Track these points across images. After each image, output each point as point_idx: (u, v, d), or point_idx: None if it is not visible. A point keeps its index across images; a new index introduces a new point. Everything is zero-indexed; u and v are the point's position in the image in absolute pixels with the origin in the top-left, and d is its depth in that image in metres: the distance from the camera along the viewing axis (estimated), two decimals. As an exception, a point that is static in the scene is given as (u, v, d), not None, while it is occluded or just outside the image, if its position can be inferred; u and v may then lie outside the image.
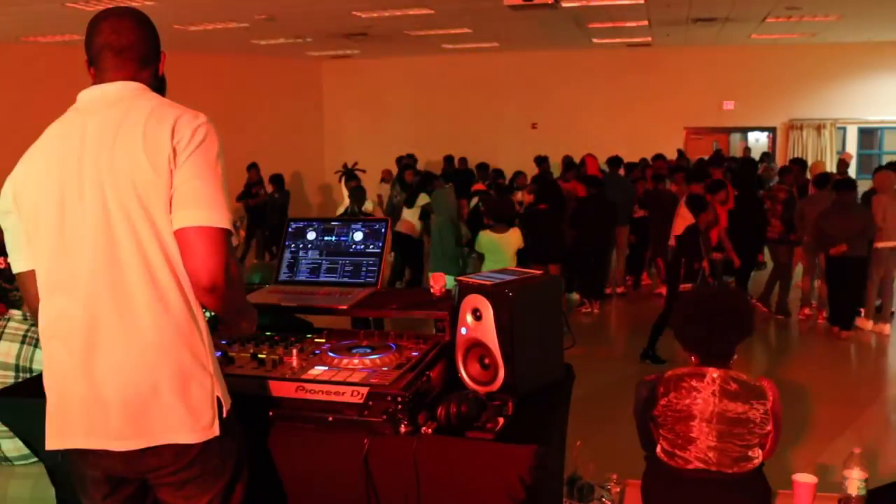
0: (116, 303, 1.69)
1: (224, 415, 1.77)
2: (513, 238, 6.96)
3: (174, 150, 1.69)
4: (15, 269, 1.90)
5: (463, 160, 13.33)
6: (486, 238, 7.03)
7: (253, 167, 11.86)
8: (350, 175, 9.57)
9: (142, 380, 1.68)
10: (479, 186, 10.60)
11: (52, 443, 1.77)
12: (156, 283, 1.69)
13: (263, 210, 11.59)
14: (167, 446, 1.71)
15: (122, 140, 1.71)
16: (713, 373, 2.50)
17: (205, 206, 1.68)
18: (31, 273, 1.83)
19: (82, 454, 1.75)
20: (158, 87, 1.88)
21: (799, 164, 10.15)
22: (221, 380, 1.80)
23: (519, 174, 11.42)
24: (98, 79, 1.82)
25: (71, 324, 1.71)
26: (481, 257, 7.19)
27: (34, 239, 1.79)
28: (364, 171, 11.17)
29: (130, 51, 1.81)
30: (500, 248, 6.90)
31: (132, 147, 1.69)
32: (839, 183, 7.86)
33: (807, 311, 8.39)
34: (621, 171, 10.57)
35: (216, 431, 1.74)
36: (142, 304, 1.69)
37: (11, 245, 1.90)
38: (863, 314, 7.83)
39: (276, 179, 11.68)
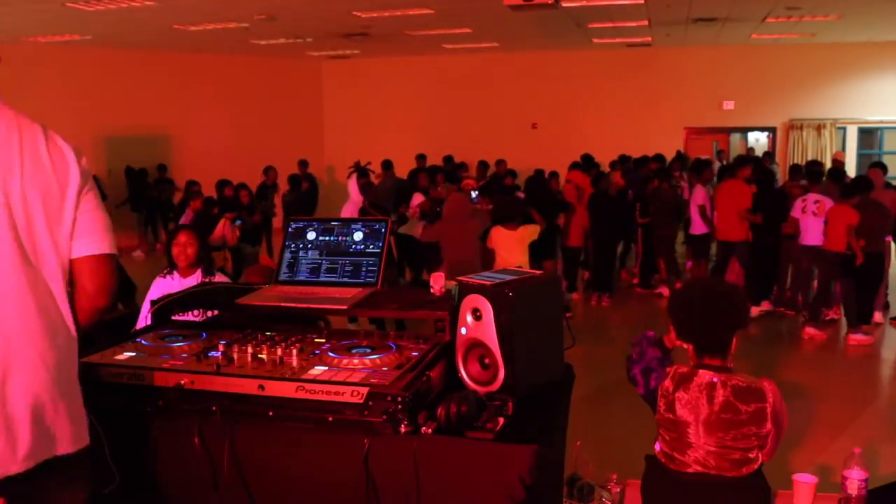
0: (38, 323, 1.70)
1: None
2: (525, 234, 6.95)
3: (82, 173, 1.78)
4: None
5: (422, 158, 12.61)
6: (497, 234, 7.00)
7: (270, 169, 11.77)
8: (362, 173, 9.52)
9: (47, 397, 1.70)
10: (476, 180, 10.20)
11: None
12: (61, 302, 1.76)
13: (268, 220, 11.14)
14: (55, 459, 1.73)
15: (29, 153, 1.73)
16: (713, 377, 2.48)
17: (102, 234, 1.84)
18: None
19: None
20: None
21: (818, 165, 9.80)
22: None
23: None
24: None
25: None
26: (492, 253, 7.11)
27: None
28: (374, 172, 11.11)
29: None
30: (513, 243, 6.89)
31: (39, 161, 1.73)
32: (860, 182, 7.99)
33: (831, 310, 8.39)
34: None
35: (87, 440, 1.82)
36: (55, 322, 1.73)
37: None
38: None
39: (294, 179, 11.53)
